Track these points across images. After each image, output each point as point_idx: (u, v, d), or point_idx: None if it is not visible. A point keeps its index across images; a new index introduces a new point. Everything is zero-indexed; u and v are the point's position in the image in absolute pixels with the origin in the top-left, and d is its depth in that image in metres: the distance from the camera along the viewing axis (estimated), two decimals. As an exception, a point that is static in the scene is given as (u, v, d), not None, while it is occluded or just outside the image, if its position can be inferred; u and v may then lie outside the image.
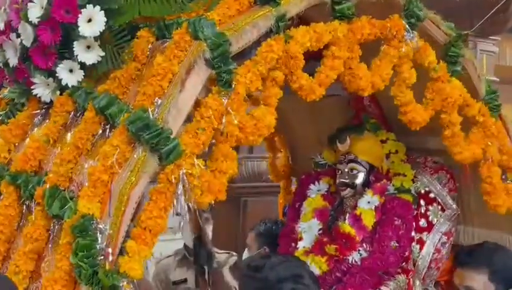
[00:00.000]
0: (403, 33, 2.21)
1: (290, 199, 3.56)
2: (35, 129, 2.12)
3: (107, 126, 1.87)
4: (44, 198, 1.80)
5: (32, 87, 2.10)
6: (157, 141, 1.69)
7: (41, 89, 2.09)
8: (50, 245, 1.81)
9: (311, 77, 1.99)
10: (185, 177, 1.69)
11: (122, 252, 1.66)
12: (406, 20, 2.24)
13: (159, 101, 1.76)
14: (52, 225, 1.82)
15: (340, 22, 2.09)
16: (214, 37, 1.82)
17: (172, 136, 1.72)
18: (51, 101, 2.10)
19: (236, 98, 1.81)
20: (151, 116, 1.74)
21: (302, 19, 2.09)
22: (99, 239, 1.64)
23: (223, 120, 1.79)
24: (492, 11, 7.58)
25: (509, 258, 2.46)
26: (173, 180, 1.68)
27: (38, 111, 2.15)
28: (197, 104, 1.81)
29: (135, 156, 1.71)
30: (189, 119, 1.81)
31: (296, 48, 1.93)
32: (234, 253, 3.84)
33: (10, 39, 2.09)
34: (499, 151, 2.56)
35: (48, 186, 1.82)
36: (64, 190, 1.81)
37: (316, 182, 3.11)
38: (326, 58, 2.04)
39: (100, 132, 1.87)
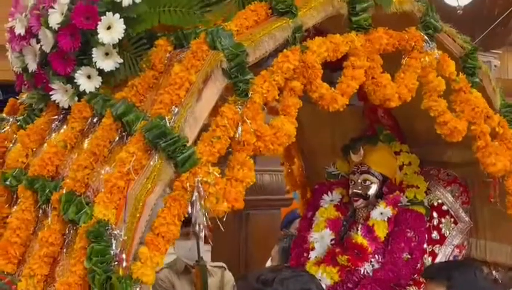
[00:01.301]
0: (421, 44, 2.22)
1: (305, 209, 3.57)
2: (53, 135, 2.14)
3: (124, 133, 1.89)
4: (60, 203, 1.82)
5: (50, 93, 2.12)
6: (173, 149, 1.71)
7: (60, 95, 2.11)
8: (65, 250, 1.83)
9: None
10: (200, 185, 1.70)
11: (135, 258, 1.67)
12: (424, 32, 2.25)
13: (176, 109, 1.78)
14: (67, 229, 1.83)
15: (356, 34, 2.10)
16: (232, 48, 1.83)
17: (188, 144, 1.74)
18: (69, 107, 2.12)
19: (252, 107, 1.83)
20: (167, 124, 1.75)
21: (318, 31, 2.11)
22: (114, 245, 1.65)
23: (239, 129, 1.80)
24: (493, 25, 7.59)
25: (469, 277, 2.43)
26: (188, 188, 1.70)
27: (56, 117, 2.17)
28: (213, 113, 1.83)
29: (151, 163, 1.73)
30: (205, 128, 1.82)
31: (312, 57, 1.95)
32: (225, 266, 3.88)
33: (30, 45, 2.11)
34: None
35: (64, 191, 1.84)
36: (80, 196, 1.83)
37: (329, 192, 3.12)
38: (346, 69, 2.06)
39: (117, 138, 1.89)
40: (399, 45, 2.20)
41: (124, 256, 1.64)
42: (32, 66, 2.13)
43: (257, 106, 1.84)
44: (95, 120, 2.02)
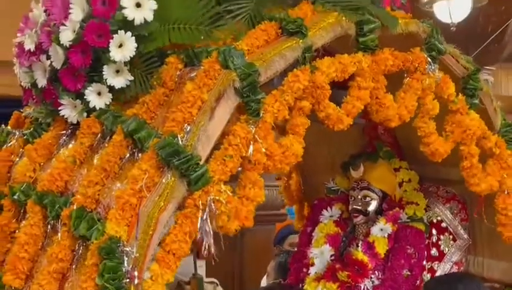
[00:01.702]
0: (424, 66, 2.26)
1: (302, 224, 3.59)
2: (61, 150, 2.15)
3: (135, 150, 1.90)
4: (71, 219, 1.83)
5: (59, 108, 2.13)
6: (186, 167, 1.72)
7: (69, 110, 2.12)
8: (74, 266, 1.83)
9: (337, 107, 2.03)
10: (212, 203, 1.72)
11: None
12: (427, 53, 2.28)
13: (188, 127, 1.80)
14: (77, 245, 1.84)
15: (363, 54, 2.13)
16: (244, 67, 1.86)
17: (201, 163, 1.75)
18: (77, 122, 2.13)
19: (263, 127, 1.85)
20: (180, 142, 1.77)
21: (326, 51, 2.14)
22: (126, 262, 1.66)
23: (251, 148, 1.82)
24: (487, 42, 7.69)
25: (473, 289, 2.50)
26: (200, 206, 1.71)
27: (64, 132, 2.18)
28: (225, 132, 1.85)
29: (164, 180, 1.75)
30: (216, 146, 1.84)
31: (322, 78, 1.98)
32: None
33: (40, 60, 2.13)
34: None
35: (74, 207, 1.85)
36: (91, 212, 1.84)
37: (329, 208, 3.14)
38: (352, 89, 2.09)
39: (128, 155, 1.90)
40: (403, 66, 2.24)
41: (136, 273, 1.65)
42: (42, 82, 2.14)
43: (268, 126, 1.87)
44: (104, 136, 2.03)
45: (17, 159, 2.31)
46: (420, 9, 5.59)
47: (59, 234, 1.86)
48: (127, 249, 1.67)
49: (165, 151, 1.75)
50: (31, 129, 2.30)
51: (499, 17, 7.90)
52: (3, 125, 2.55)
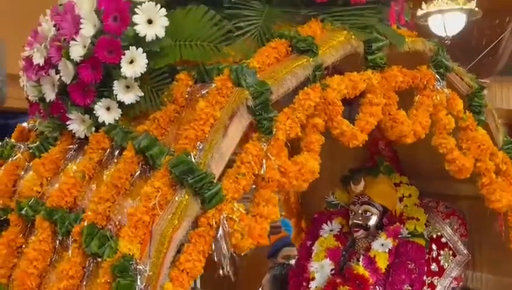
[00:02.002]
0: (433, 83, 2.28)
1: (301, 237, 3.60)
2: (68, 164, 2.14)
3: (146, 166, 1.90)
4: (82, 235, 1.82)
5: (67, 123, 2.12)
6: (200, 186, 1.73)
7: (77, 125, 2.12)
8: (85, 283, 1.83)
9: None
10: (225, 222, 1.72)
11: (160, 293, 1.68)
12: (435, 70, 2.31)
13: (201, 145, 1.80)
14: (87, 263, 1.83)
15: (372, 72, 2.14)
16: (256, 86, 1.86)
17: (214, 181, 1.76)
18: (85, 137, 2.13)
19: (276, 144, 1.86)
20: (193, 159, 1.77)
21: (334, 69, 2.15)
22: (139, 280, 1.66)
23: (263, 165, 1.83)
24: (481, 55, 7.78)
25: None
26: (214, 225, 1.72)
27: (71, 146, 2.18)
28: (236, 150, 1.86)
29: (177, 198, 1.75)
30: (227, 164, 1.85)
31: (333, 94, 1.99)
32: None
33: (49, 75, 2.12)
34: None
35: (85, 224, 1.84)
36: (102, 228, 1.84)
37: (329, 222, 3.15)
38: (364, 106, 2.11)
39: (138, 172, 1.90)
40: (412, 83, 2.26)
41: (149, 292, 1.65)
42: (50, 96, 2.13)
43: (281, 143, 1.87)
44: (113, 151, 2.03)
45: (23, 172, 2.30)
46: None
47: (69, 251, 1.85)
48: (140, 267, 1.67)
49: (178, 169, 1.75)
50: (37, 143, 2.28)
51: (493, 30, 8.01)
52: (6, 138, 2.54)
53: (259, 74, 1.93)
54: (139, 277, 1.66)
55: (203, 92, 1.95)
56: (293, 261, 3.71)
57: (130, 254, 1.68)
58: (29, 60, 2.22)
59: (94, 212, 1.85)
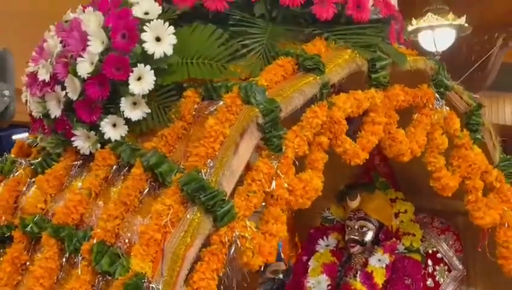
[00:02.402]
0: (433, 101, 2.31)
1: (294, 252, 3.60)
2: (73, 181, 2.13)
3: (154, 183, 1.90)
4: (91, 253, 1.82)
5: (72, 139, 2.12)
6: (213, 203, 1.73)
7: (82, 142, 2.11)
8: (94, 301, 1.82)
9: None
10: (237, 240, 1.73)
11: (173, 312, 1.68)
12: (436, 89, 2.34)
13: (211, 162, 1.81)
14: (97, 281, 1.83)
15: (376, 90, 2.17)
16: (266, 103, 1.88)
17: (226, 199, 1.76)
18: (90, 153, 2.13)
19: (285, 162, 1.87)
20: (204, 177, 1.78)
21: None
22: (152, 298, 1.66)
23: (273, 183, 1.84)
24: (470, 70, 7.89)
25: None
26: (227, 242, 1.72)
27: (76, 163, 2.17)
28: (246, 167, 1.86)
29: (188, 216, 1.75)
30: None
31: (339, 113, 2.01)
32: None
33: (54, 91, 2.12)
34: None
35: (95, 241, 1.84)
36: (112, 246, 1.83)
37: (325, 237, 3.17)
38: (367, 124, 2.13)
39: (147, 189, 1.90)
40: (413, 102, 2.29)
41: (163, 310, 1.64)
42: (56, 112, 2.12)
43: (290, 161, 1.89)
44: (120, 168, 2.03)
45: (24, 189, 2.28)
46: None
47: (78, 269, 1.84)
48: (153, 285, 1.67)
49: (190, 187, 1.75)
50: (40, 159, 2.27)
51: (482, 46, 8.13)
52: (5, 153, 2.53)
53: (267, 91, 1.95)
54: (152, 295, 1.66)
55: (211, 109, 1.96)
56: (281, 276, 3.72)
57: (143, 272, 1.68)
58: (33, 75, 2.21)
59: (103, 230, 1.85)
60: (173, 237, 1.73)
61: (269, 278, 4.12)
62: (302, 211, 3.54)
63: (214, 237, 1.74)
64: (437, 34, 7.25)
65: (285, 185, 1.86)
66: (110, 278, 1.79)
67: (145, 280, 1.68)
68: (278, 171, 1.86)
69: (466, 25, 7.41)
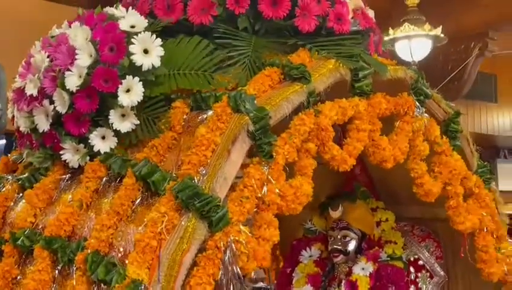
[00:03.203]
0: (413, 109, 2.38)
1: (275, 265, 3.63)
2: (62, 194, 2.14)
3: (146, 193, 1.92)
4: (86, 263, 1.82)
5: (61, 153, 2.13)
6: (208, 209, 1.76)
7: (70, 155, 2.13)
8: (90, 310, 1.82)
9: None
10: (232, 245, 1.76)
11: (170, 317, 1.70)
12: (416, 97, 2.41)
13: (204, 170, 1.84)
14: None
15: (359, 98, 2.23)
16: (256, 111, 1.92)
17: (221, 204, 1.79)
18: (78, 167, 2.14)
19: (276, 168, 1.91)
20: (198, 184, 1.80)
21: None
22: (150, 305, 1.67)
23: (265, 189, 1.87)
24: (447, 79, 8.05)
25: None
26: (222, 247, 1.75)
27: (64, 176, 2.18)
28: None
29: (183, 223, 1.77)
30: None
31: (326, 121, 2.06)
32: None
33: (42, 105, 2.13)
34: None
35: (89, 251, 1.85)
36: (106, 255, 1.84)
37: (308, 248, 3.20)
38: (352, 132, 2.18)
39: (139, 198, 1.92)
40: (394, 110, 2.35)
41: (161, 316, 1.66)
42: (44, 126, 2.13)
43: (280, 167, 1.93)
44: (110, 180, 2.04)
45: (12, 204, 2.28)
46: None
47: (73, 279, 1.84)
48: (150, 291, 1.68)
49: (185, 194, 1.78)
50: (27, 174, 2.27)
51: (458, 55, 8.30)
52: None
53: (255, 100, 1.99)
54: (149, 301, 1.67)
55: (201, 118, 1.99)
56: (261, 284, 3.74)
57: (140, 279, 1.70)
58: (20, 91, 2.23)
59: (97, 240, 1.86)
60: (169, 243, 1.75)
61: (257, 287, 4.11)
62: (283, 224, 3.62)
63: (210, 242, 1.76)
64: (414, 44, 7.39)
65: (277, 190, 1.89)
66: (105, 287, 1.80)
67: (143, 287, 1.69)
68: (269, 177, 1.89)
69: (442, 35, 7.57)
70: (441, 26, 7.49)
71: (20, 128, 2.24)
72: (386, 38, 6.81)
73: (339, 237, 3.05)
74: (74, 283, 1.83)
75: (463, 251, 2.70)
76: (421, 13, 7.75)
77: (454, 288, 3.17)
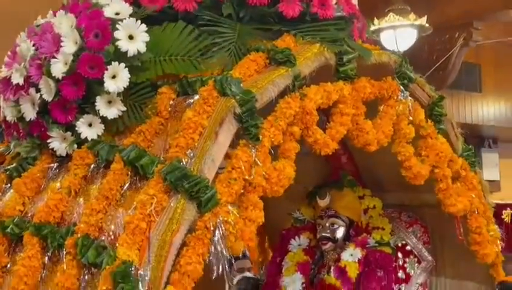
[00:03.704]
0: (397, 93, 2.40)
1: (263, 257, 3.65)
2: (50, 183, 2.15)
3: (135, 177, 1.94)
4: (76, 247, 1.83)
5: (48, 141, 2.13)
6: (197, 190, 1.77)
7: (58, 143, 2.13)
8: (81, 294, 1.83)
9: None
10: (221, 225, 1.77)
11: (161, 297, 1.71)
12: (400, 82, 2.43)
13: (191, 153, 1.85)
14: (82, 274, 1.84)
15: (344, 82, 2.25)
16: (242, 94, 1.94)
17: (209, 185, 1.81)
18: (67, 155, 2.14)
19: (262, 151, 1.93)
20: (186, 166, 1.82)
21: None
22: (140, 285, 1.68)
23: (252, 171, 1.89)
24: (432, 69, 8.09)
25: None
26: (211, 228, 1.76)
27: (52, 165, 2.18)
28: (225, 156, 1.91)
29: (172, 204, 1.78)
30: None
31: (311, 104, 2.08)
32: None
33: (28, 94, 2.13)
34: (478, 203, 2.75)
35: (79, 235, 1.85)
36: (96, 239, 1.85)
37: (297, 237, 3.22)
38: (335, 115, 2.20)
39: (128, 182, 1.93)
40: (379, 94, 2.37)
41: (153, 295, 1.67)
42: (31, 115, 2.14)
43: (266, 149, 1.94)
44: (99, 166, 2.05)
45: (0, 194, 2.28)
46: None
47: (64, 264, 1.85)
48: (141, 272, 1.69)
49: (173, 176, 1.79)
50: (15, 164, 2.28)
51: (443, 45, 8.36)
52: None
53: (242, 84, 2.00)
54: (140, 281, 1.68)
55: (187, 103, 2.01)
56: (249, 274, 3.74)
57: (130, 260, 1.70)
58: (6, 80, 2.23)
59: (87, 224, 1.87)
60: (159, 224, 1.76)
61: (245, 277, 4.08)
62: (271, 215, 3.63)
63: (199, 222, 1.78)
64: (399, 33, 7.42)
65: (263, 173, 1.91)
66: (95, 270, 1.81)
67: (133, 268, 1.70)
68: (256, 159, 1.90)
69: (427, 25, 7.62)
70: (426, 16, 7.54)
71: (7, 118, 2.24)
72: (371, 28, 6.86)
73: (327, 225, 3.07)
74: (65, 267, 1.84)
75: (459, 234, 2.72)
76: (406, 3, 7.80)
77: (442, 272, 3.20)
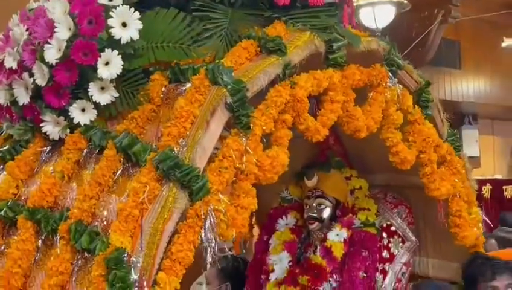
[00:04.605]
0: (386, 80, 2.44)
1: (250, 234, 3.71)
2: (43, 166, 2.18)
3: (127, 164, 1.97)
4: (69, 233, 1.88)
5: (41, 125, 2.16)
6: (188, 179, 1.81)
7: (51, 127, 2.16)
8: (74, 278, 1.88)
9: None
10: (212, 213, 1.82)
11: (153, 284, 1.76)
12: (388, 68, 2.47)
13: (183, 141, 1.89)
14: (75, 258, 1.89)
15: (333, 70, 2.29)
16: (233, 83, 1.97)
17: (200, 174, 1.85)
18: (59, 139, 2.17)
19: (254, 139, 1.97)
20: (178, 155, 1.86)
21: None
22: (133, 271, 1.73)
23: (244, 159, 1.93)
24: (411, 46, 8.10)
25: None
26: (202, 216, 1.81)
27: (45, 148, 2.21)
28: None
29: (164, 193, 1.83)
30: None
31: (301, 92, 2.12)
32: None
33: (21, 78, 2.15)
34: (461, 187, 2.81)
35: (72, 221, 1.90)
36: (89, 225, 1.89)
37: (284, 216, 3.27)
38: (326, 103, 2.24)
39: (120, 169, 1.97)
40: (368, 81, 2.41)
41: (145, 282, 1.72)
42: (24, 99, 2.16)
43: (257, 138, 1.98)
44: (91, 151, 2.08)
45: (-6, 177, 2.31)
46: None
47: (57, 248, 1.89)
48: (133, 259, 1.74)
49: (165, 165, 1.83)
50: (8, 147, 2.30)
51: (421, 22, 8.35)
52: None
53: (233, 72, 2.03)
54: (133, 268, 1.73)
55: (180, 90, 2.04)
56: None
57: (123, 247, 1.75)
58: (-1, 64, 2.24)
59: (80, 210, 1.91)
60: (151, 212, 1.80)
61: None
62: (259, 194, 3.69)
63: (190, 211, 1.82)
64: (377, 10, 7.40)
65: (254, 160, 1.95)
66: (89, 255, 1.85)
67: (126, 254, 1.74)
68: (247, 148, 1.94)
69: (405, 1, 7.60)
70: (404, -8, 7.53)
71: (0, 102, 2.26)
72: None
73: (314, 205, 3.12)
74: (58, 252, 1.88)
75: (439, 217, 2.79)
76: (384, -20, 7.75)
77: (425, 252, 3.28)
